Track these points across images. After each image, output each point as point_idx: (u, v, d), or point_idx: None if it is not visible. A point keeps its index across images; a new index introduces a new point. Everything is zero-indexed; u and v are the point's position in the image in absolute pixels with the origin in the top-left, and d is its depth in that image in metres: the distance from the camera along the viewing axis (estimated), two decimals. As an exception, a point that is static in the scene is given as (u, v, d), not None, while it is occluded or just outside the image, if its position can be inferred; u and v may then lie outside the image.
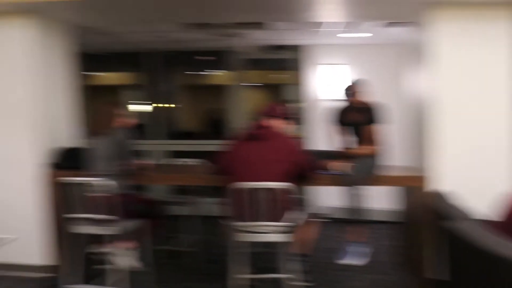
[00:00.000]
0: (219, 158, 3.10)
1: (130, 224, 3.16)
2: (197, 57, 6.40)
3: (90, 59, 5.03)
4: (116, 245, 3.14)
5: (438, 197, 3.02)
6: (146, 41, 5.35)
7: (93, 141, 3.33)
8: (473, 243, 1.95)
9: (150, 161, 4.01)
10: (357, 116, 3.96)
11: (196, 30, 4.61)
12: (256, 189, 2.79)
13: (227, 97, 6.16)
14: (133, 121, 3.60)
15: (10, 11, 3.49)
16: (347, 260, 3.98)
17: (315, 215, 3.43)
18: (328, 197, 5.10)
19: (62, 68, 4.01)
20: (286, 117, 3.16)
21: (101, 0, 3.33)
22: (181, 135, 6.42)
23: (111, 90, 6.87)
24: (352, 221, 4.05)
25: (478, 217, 2.41)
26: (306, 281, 3.19)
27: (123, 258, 3.22)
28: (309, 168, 3.06)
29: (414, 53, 4.33)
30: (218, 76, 6.69)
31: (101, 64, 6.33)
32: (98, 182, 2.99)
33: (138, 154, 3.44)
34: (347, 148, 4.00)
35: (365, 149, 3.82)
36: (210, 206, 4.15)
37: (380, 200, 4.53)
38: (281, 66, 6.17)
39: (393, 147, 4.11)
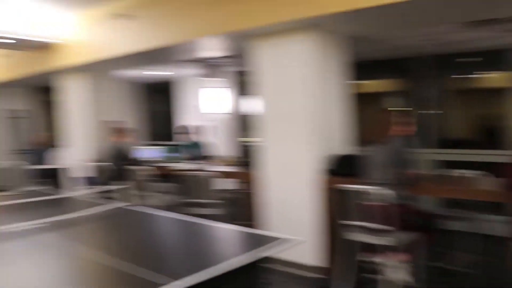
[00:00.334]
0: (507, 171, 2.76)
1: (405, 236, 3.17)
2: (465, 59, 5.93)
3: (358, 68, 5.31)
4: (389, 256, 3.19)
5: None
6: (415, 45, 5.29)
7: (369, 149, 3.48)
8: None
9: (424, 171, 3.91)
10: None
11: (478, 28, 4.25)
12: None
13: (505, 101, 5.44)
14: (412, 129, 3.59)
15: (293, 27, 4.06)
16: None
17: None
18: None
19: (336, 78, 4.40)
20: None
21: (381, 8, 3.45)
22: (450, 143, 6.03)
23: (375, 97, 7.06)
24: None
25: None
26: None
27: (396, 270, 3.24)
28: None
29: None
30: (493, 78, 6.00)
31: (367, 72, 6.60)
32: (375, 191, 3.11)
33: (415, 163, 3.41)
34: None
35: None
36: (492, 224, 3.73)
37: None
38: None
39: None
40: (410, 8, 3.51)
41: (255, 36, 4.34)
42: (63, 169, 7.11)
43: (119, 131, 5.84)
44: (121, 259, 2.02)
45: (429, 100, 6.12)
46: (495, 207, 3.57)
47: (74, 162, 6.12)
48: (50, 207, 3.50)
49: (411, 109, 6.17)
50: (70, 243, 2.39)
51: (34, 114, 9.50)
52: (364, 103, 6.17)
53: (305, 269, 4.15)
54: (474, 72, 6.24)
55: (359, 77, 6.44)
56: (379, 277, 3.30)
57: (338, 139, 4.34)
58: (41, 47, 6.33)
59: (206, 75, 6.56)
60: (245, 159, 5.29)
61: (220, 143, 7.33)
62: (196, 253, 2.17)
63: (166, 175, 5.55)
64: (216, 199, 4.64)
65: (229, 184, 5.41)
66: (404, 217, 3.10)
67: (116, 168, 5.57)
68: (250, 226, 2.59)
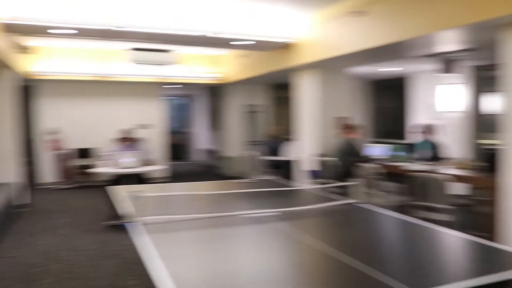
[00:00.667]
0: None
1: None
2: None
3: None
4: None
5: None
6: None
7: None
8: None
9: None
10: None
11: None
12: None
13: None
14: None
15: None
16: None
17: None
18: None
19: None
20: None
21: None
22: None
23: None
24: None
25: None
26: None
27: None
28: None
29: None
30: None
31: None
32: None
33: None
34: None
35: None
36: None
37: None
38: None
39: None
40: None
41: (507, 26, 3.96)
42: (293, 162, 7.86)
43: (348, 127, 6.12)
44: (350, 255, 2.15)
45: None
46: None
47: (303, 155, 6.69)
48: (282, 197, 3.96)
49: None
50: (300, 233, 2.67)
51: (269, 109, 10.74)
52: None
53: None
54: None
55: None
56: None
57: None
58: (277, 47, 7.15)
59: (441, 71, 6.25)
60: (483, 163, 4.90)
61: (452, 144, 6.92)
62: (431, 262, 2.14)
63: (394, 174, 5.56)
64: (448, 204, 4.44)
65: (461, 189, 5.09)
66: None
67: (344, 163, 5.89)
68: (487, 238, 2.41)
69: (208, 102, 13.13)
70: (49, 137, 9.34)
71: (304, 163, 6.61)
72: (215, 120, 12.59)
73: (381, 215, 3.20)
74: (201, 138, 14.15)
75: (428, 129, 6.52)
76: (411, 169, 5.23)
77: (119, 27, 5.79)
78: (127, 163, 6.21)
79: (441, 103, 6.61)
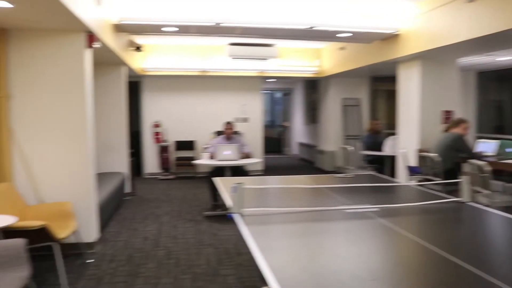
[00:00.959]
0: None
1: None
2: None
3: None
4: None
5: None
6: None
7: None
8: None
9: None
10: None
11: None
12: None
13: None
14: None
15: None
16: None
17: None
18: None
19: None
20: None
21: None
22: None
23: None
24: None
25: None
26: None
27: None
28: None
29: None
30: None
31: None
32: None
33: None
34: None
35: None
36: None
37: None
38: None
39: None
40: None
41: None
42: (393, 157, 7.60)
43: (454, 121, 5.80)
44: (455, 255, 2.06)
45: None
46: None
47: (403, 150, 6.47)
48: (380, 193, 3.86)
49: None
50: (401, 231, 2.58)
51: (367, 103, 10.48)
52: None
53: None
54: None
55: None
56: None
57: None
58: (382, 38, 6.93)
59: None
60: None
61: None
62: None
63: (503, 172, 5.17)
64: None
65: None
66: None
67: (447, 160, 5.57)
68: None
69: (304, 95, 13.14)
70: (152, 129, 10.02)
71: (404, 159, 6.36)
72: (312, 114, 12.57)
73: (488, 214, 3.01)
74: (297, 132, 14.22)
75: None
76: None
77: (229, 23, 6.04)
78: (227, 155, 6.44)
79: None
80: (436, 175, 5.59)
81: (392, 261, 2.16)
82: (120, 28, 6.15)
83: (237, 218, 2.73)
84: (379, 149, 8.03)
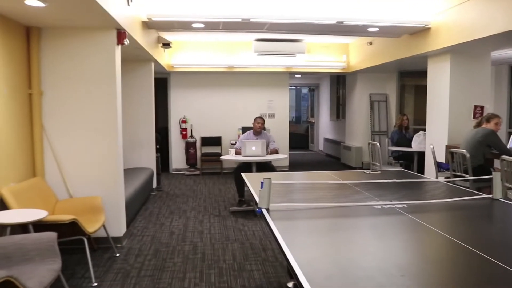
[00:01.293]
0: None
1: None
2: None
3: None
4: None
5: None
6: None
7: None
8: None
9: None
10: None
11: None
12: None
13: None
14: None
15: None
16: None
17: None
18: None
19: None
20: None
21: None
22: None
23: None
24: None
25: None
26: None
27: None
28: None
29: None
30: None
31: None
32: None
33: None
34: None
35: None
36: None
37: None
38: None
39: None
40: None
41: None
42: (421, 153, 7.47)
43: (486, 116, 5.65)
44: (486, 252, 2.00)
45: None
46: None
47: (431, 146, 6.35)
48: (408, 189, 3.80)
49: None
50: (430, 227, 2.53)
51: (393, 98, 10.31)
52: None
53: None
54: None
55: None
56: None
57: None
58: (412, 32, 6.80)
59: None
60: None
61: None
62: None
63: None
64: None
65: None
66: None
67: (478, 156, 5.44)
68: None
69: (331, 91, 13.04)
70: (179, 125, 10.12)
71: (433, 155, 6.23)
72: (338, 110, 12.46)
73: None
74: (323, 128, 14.13)
75: None
76: None
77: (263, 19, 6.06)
78: (253, 151, 6.45)
79: None
80: (465, 171, 5.46)
81: (421, 257, 2.12)
82: (148, 25, 6.23)
83: (264, 213, 2.73)
84: (407, 145, 7.91)
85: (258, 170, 6.29)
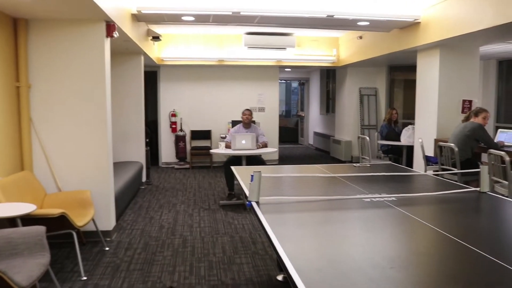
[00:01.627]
0: None
1: None
2: None
3: None
4: None
5: None
6: None
7: None
8: None
9: None
10: None
11: None
12: None
13: None
14: None
15: None
16: None
17: None
18: None
19: None
20: None
21: None
22: None
23: None
24: None
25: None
26: None
27: None
28: None
29: None
30: None
31: None
32: None
33: None
34: None
35: None
36: None
37: None
38: None
39: None
40: None
41: None
42: (410, 147, 7.53)
43: (474, 111, 5.71)
44: (473, 245, 2.03)
45: None
46: None
47: (420, 140, 6.40)
48: (397, 183, 3.83)
49: None
50: (419, 220, 2.54)
51: (383, 92, 10.36)
52: None
53: None
54: None
55: None
56: None
57: None
58: (401, 26, 6.81)
59: None
60: None
61: None
62: None
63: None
64: None
65: None
66: None
67: (466, 149, 5.50)
68: None
69: (321, 85, 13.06)
70: (169, 119, 10.07)
71: (421, 148, 6.29)
72: (328, 104, 12.49)
73: (507, 204, 2.98)
74: (313, 122, 14.16)
75: None
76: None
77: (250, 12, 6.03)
78: (243, 145, 6.45)
79: None
80: (454, 165, 5.52)
81: (410, 249, 2.15)
82: (138, 18, 6.17)
83: (254, 206, 2.74)
84: (396, 139, 7.96)
85: (248, 164, 6.29)
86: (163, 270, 3.92)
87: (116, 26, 4.75)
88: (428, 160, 6.27)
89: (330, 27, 7.66)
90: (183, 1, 5.90)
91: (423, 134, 6.91)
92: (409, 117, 9.00)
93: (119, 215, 5.49)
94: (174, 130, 10.08)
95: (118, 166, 6.49)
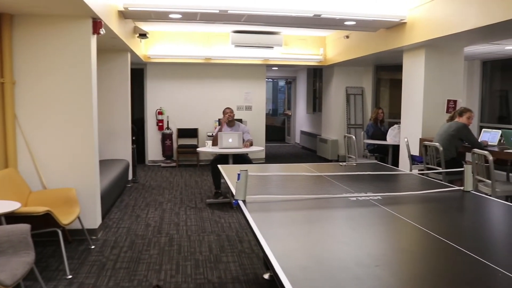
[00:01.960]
0: None
1: None
2: None
3: None
4: None
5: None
6: None
7: None
8: None
9: None
10: None
11: None
12: None
13: None
14: None
15: None
16: None
17: None
18: None
19: None
20: None
21: None
22: None
23: None
24: None
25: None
26: None
27: None
28: None
29: None
30: None
31: None
32: None
33: None
34: None
35: None
36: None
37: None
38: None
39: None
40: None
41: None
42: (395, 146, 7.60)
43: (458, 111, 5.78)
44: (456, 243, 2.06)
45: None
46: None
47: (405, 139, 6.46)
48: (383, 181, 3.86)
49: None
50: (403, 218, 2.58)
51: (369, 91, 10.44)
52: None
53: None
54: None
55: None
56: None
57: None
58: (387, 26, 6.87)
59: None
60: None
61: None
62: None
63: (505, 162, 5.17)
64: None
65: None
66: None
67: (450, 149, 5.57)
68: None
69: (308, 84, 13.10)
70: (156, 117, 10.02)
71: (407, 148, 6.35)
72: (315, 103, 12.54)
73: (490, 203, 3.03)
74: (299, 121, 14.21)
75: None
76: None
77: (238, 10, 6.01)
78: (230, 143, 6.45)
79: None
80: (439, 164, 5.59)
81: (395, 247, 2.17)
82: (125, 15, 6.12)
83: (241, 205, 2.74)
84: (382, 138, 8.02)
85: (234, 162, 6.29)
86: (149, 268, 3.91)
87: (102, 23, 4.71)
88: (413, 159, 6.34)
89: (317, 27, 7.70)
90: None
91: (408, 133, 6.98)
92: (395, 116, 9.09)
93: (105, 213, 5.46)
94: (160, 128, 10.03)
95: (104, 164, 6.44)
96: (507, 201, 3.05)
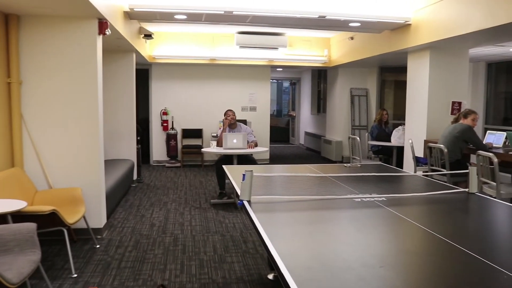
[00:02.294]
0: None
1: None
2: None
3: None
4: None
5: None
6: None
7: None
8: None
9: None
10: None
11: None
12: None
13: None
14: None
15: None
16: None
17: None
18: None
19: None
20: None
21: None
22: None
23: None
24: None
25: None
26: None
27: None
28: None
29: None
30: None
31: None
32: None
33: None
34: None
35: None
36: None
37: None
38: None
39: None
40: None
41: None
42: (400, 147, 7.58)
43: (463, 112, 5.77)
44: (461, 245, 2.06)
45: None
46: None
47: (410, 141, 6.45)
48: (387, 183, 3.86)
49: None
50: (408, 220, 2.58)
51: (373, 93, 10.42)
52: None
53: None
54: None
55: None
56: None
57: None
58: (392, 28, 6.86)
59: None
60: None
61: None
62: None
63: (510, 164, 5.15)
64: None
65: None
66: None
67: (455, 151, 5.56)
68: None
69: (312, 85, 13.10)
70: (160, 117, 10.04)
71: (411, 149, 6.34)
72: (319, 104, 12.53)
73: (495, 205, 3.02)
74: (304, 122, 14.20)
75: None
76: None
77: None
78: (235, 144, 6.46)
79: None
80: (443, 166, 5.57)
81: (400, 248, 2.17)
82: (130, 15, 6.14)
83: (246, 205, 2.75)
84: (386, 139, 8.02)
85: (239, 163, 6.30)
86: (154, 268, 3.92)
87: (108, 23, 4.73)
88: (417, 161, 6.32)
89: (322, 28, 7.70)
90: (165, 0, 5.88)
91: (413, 135, 6.96)
92: (400, 118, 9.07)
93: (110, 212, 5.48)
94: (165, 128, 10.05)
95: (109, 163, 6.47)
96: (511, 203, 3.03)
